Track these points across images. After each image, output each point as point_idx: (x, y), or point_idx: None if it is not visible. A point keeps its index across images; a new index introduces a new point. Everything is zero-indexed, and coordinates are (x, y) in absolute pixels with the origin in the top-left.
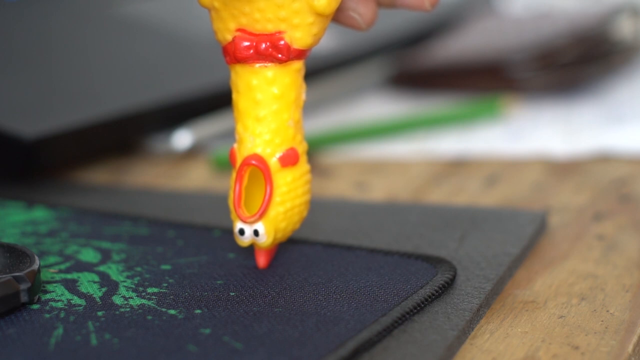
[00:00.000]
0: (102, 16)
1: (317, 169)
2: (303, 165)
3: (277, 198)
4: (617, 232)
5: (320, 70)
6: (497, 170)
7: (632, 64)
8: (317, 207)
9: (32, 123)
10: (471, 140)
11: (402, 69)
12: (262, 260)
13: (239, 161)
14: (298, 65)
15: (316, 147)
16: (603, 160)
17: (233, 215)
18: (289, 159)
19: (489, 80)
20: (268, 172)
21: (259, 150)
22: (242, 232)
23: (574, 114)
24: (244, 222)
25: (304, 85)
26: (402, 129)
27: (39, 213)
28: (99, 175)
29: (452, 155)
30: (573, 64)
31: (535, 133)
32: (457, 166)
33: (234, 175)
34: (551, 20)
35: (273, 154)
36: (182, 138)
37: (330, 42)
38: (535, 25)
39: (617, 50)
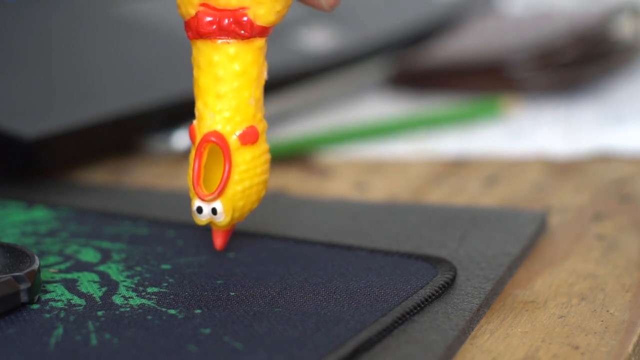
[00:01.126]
0: (102, 16)
1: (317, 169)
2: (262, 145)
3: (235, 176)
4: (617, 232)
5: (320, 70)
6: (497, 170)
7: (632, 64)
8: (317, 207)
9: (32, 123)
10: (471, 140)
11: (402, 69)
12: (219, 241)
13: (198, 138)
14: (260, 43)
15: (316, 147)
16: (603, 160)
17: (191, 193)
18: (248, 137)
19: (489, 80)
20: (227, 150)
21: (218, 128)
22: (200, 210)
23: (574, 114)
24: (202, 200)
25: (265, 64)
26: (402, 129)
27: (39, 213)
28: (99, 175)
29: (452, 155)
30: (573, 64)
31: (535, 133)
32: (457, 166)
33: (193, 152)
34: (551, 20)
35: (233, 131)
36: (182, 138)
37: (330, 42)
38: (535, 25)
39: (617, 50)
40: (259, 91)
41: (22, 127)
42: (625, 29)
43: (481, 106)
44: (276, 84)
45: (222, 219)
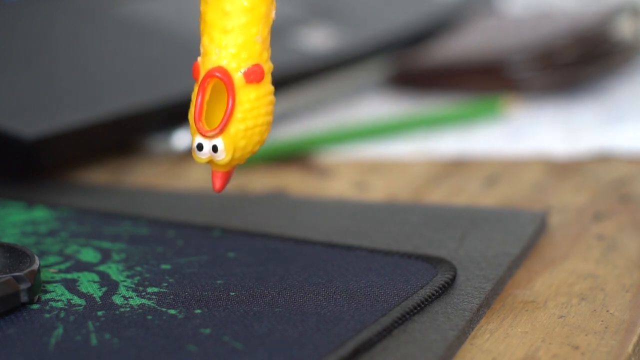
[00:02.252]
0: (102, 16)
1: (317, 169)
2: (267, 85)
3: (238, 114)
4: (617, 232)
5: (320, 70)
6: (497, 170)
7: (632, 64)
8: (317, 207)
9: (32, 123)
10: (471, 140)
11: (402, 69)
12: (218, 182)
13: (202, 73)
14: None
15: (316, 147)
16: (603, 160)
17: (192, 130)
18: (254, 75)
19: (489, 80)
20: (231, 86)
21: (223, 63)
22: (200, 147)
23: (574, 114)
24: (203, 136)
25: (274, 3)
26: (402, 129)
27: (39, 213)
28: (99, 175)
29: (452, 155)
30: (573, 64)
31: (535, 133)
32: (457, 166)
33: (196, 88)
34: (551, 20)
35: (238, 68)
36: (182, 138)
37: (330, 42)
38: (535, 25)
39: (617, 50)
40: (266, 29)
41: (22, 127)
42: (625, 29)
43: (481, 106)
44: (276, 84)
45: (222, 157)
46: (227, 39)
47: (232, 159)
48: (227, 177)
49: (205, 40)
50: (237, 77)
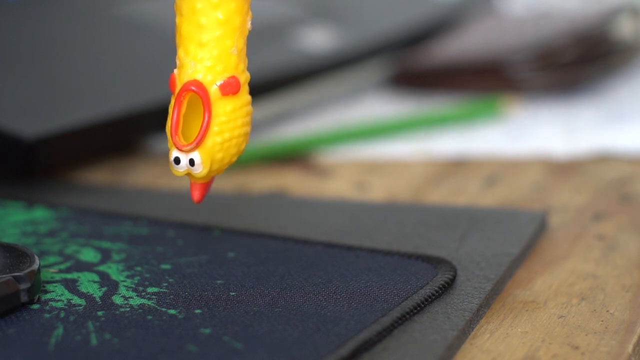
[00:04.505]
0: (102, 16)
1: (317, 169)
2: (244, 96)
3: (215, 127)
4: (617, 232)
5: (320, 70)
6: (497, 170)
7: (632, 64)
8: (317, 207)
9: (32, 123)
10: (471, 140)
11: (402, 69)
12: (196, 194)
13: (178, 87)
14: None
15: (316, 147)
16: (603, 160)
17: (169, 143)
18: (229, 88)
19: (489, 80)
20: (207, 100)
21: (199, 77)
22: (177, 160)
23: (574, 114)
24: (180, 150)
25: (250, 13)
26: (402, 129)
27: (39, 213)
28: (99, 175)
29: (452, 155)
30: (573, 64)
31: (535, 133)
32: (457, 166)
33: (172, 101)
34: (551, 20)
35: (214, 81)
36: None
37: (330, 42)
38: (535, 25)
39: (617, 50)
40: (242, 41)
41: (22, 127)
42: (625, 29)
43: (481, 106)
44: (276, 84)
45: (199, 170)
46: (203, 52)
47: (210, 172)
48: (206, 188)
49: (180, 52)
50: (213, 90)
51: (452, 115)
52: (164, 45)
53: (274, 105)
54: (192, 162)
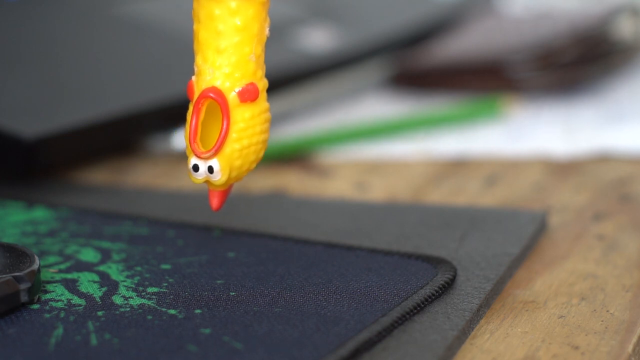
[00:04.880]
0: (102, 16)
1: (317, 169)
2: (262, 103)
3: (233, 134)
4: (617, 232)
5: (320, 70)
6: (497, 170)
7: (632, 64)
8: (317, 207)
9: (32, 123)
10: (471, 140)
11: (402, 69)
12: (215, 202)
13: (196, 94)
14: None
15: (316, 147)
16: (603, 160)
17: (188, 150)
18: (248, 94)
19: (489, 80)
20: (226, 106)
21: (217, 83)
22: (196, 168)
23: (574, 114)
24: (199, 157)
25: (268, 20)
26: (402, 129)
27: (39, 213)
28: (99, 175)
29: (452, 155)
30: (573, 64)
31: (535, 133)
32: (457, 166)
33: (191, 108)
34: (551, 20)
35: (232, 88)
36: (182, 138)
37: (330, 42)
38: (535, 25)
39: (617, 50)
40: (260, 47)
41: (22, 127)
42: (625, 29)
43: (481, 106)
44: (276, 84)
45: (218, 177)
46: (221, 59)
47: (229, 179)
48: (224, 195)
49: (199, 59)
50: (231, 97)
51: (452, 115)
52: (164, 45)
53: (274, 105)
54: (210, 170)
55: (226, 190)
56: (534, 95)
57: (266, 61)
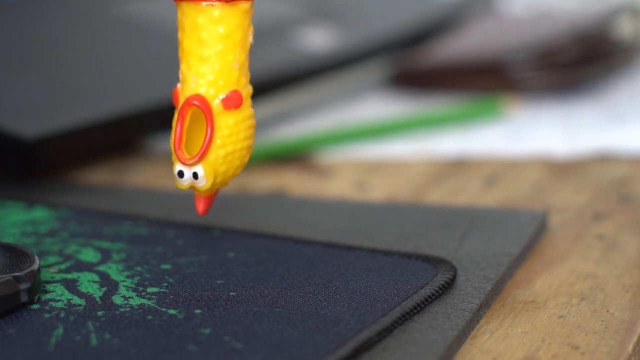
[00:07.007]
0: (102, 16)
1: (317, 169)
2: (247, 109)
3: (217, 141)
4: (617, 232)
5: (320, 70)
6: (497, 170)
7: (632, 64)
8: (317, 207)
9: (32, 123)
10: (471, 140)
11: (402, 69)
12: (201, 207)
13: (181, 101)
14: (246, 6)
15: (316, 147)
16: (603, 160)
17: (173, 157)
18: (232, 101)
19: (489, 80)
20: (210, 114)
21: (201, 91)
22: (181, 174)
23: (574, 114)
24: (183, 164)
25: (251, 28)
26: (402, 129)
27: (39, 213)
28: (99, 175)
29: (452, 155)
30: (573, 64)
31: (535, 133)
32: (457, 166)
33: (175, 115)
34: (551, 20)
35: (216, 95)
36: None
37: (330, 42)
38: (535, 25)
39: (617, 50)
40: (243, 55)
41: (22, 127)
42: (625, 29)
43: (481, 106)
44: (276, 84)
45: (203, 183)
46: (204, 67)
47: (213, 185)
48: (210, 200)
49: (183, 67)
50: (215, 104)
51: (452, 115)
52: (164, 45)
53: (274, 105)
54: (195, 176)
55: (212, 195)
56: (534, 95)
57: (266, 61)
